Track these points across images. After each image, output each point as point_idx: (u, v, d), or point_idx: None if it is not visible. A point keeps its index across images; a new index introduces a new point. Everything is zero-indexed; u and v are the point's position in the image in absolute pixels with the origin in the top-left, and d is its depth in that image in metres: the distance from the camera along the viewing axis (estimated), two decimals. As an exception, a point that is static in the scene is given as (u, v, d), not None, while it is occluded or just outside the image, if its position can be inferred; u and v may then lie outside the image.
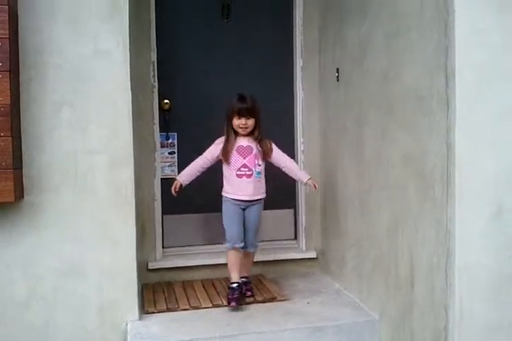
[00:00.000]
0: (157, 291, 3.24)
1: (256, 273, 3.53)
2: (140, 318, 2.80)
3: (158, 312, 2.92)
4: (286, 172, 3.11)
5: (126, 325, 2.74)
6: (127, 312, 2.77)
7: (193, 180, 3.10)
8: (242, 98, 3.00)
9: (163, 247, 3.56)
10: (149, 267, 3.40)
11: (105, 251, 2.72)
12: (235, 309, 2.94)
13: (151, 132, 3.54)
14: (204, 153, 3.09)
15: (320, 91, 3.71)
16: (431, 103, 2.31)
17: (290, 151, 3.65)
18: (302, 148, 3.77)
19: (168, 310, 2.95)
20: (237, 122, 2.99)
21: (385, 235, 2.77)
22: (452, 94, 2.16)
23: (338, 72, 3.36)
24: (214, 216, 3.64)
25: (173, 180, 3.56)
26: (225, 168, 3.07)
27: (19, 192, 2.52)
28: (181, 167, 3.58)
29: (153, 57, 3.51)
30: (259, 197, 3.08)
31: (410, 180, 2.51)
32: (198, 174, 3.09)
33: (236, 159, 3.02)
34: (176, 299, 3.11)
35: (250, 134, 3.04)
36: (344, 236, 3.32)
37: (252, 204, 3.08)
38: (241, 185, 3.02)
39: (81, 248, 2.68)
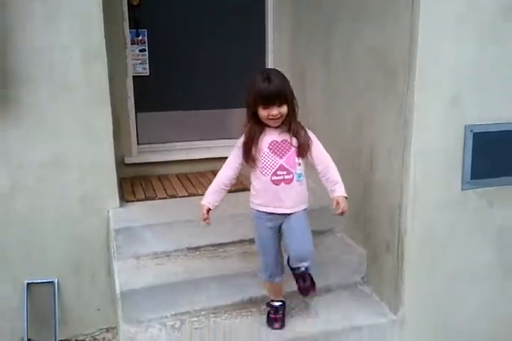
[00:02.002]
0: (135, 184, 3.41)
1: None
2: (121, 206, 2.99)
3: (138, 201, 3.12)
4: (321, 177, 2.31)
5: (108, 212, 2.93)
6: (108, 200, 2.95)
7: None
8: (267, 78, 2.15)
9: (138, 143, 3.67)
10: (126, 161, 3.54)
11: (84, 142, 2.82)
12: (280, 328, 2.47)
13: (121, 29, 3.49)
14: (226, 162, 2.36)
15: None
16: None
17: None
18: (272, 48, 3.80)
19: (147, 198, 3.16)
20: (264, 113, 2.18)
21: (351, 130, 2.94)
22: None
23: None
24: (188, 113, 3.77)
25: (144, 78, 3.64)
26: (252, 174, 2.32)
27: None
28: (153, 65, 3.62)
29: None
30: (303, 208, 2.33)
31: (375, 74, 2.62)
32: (226, 189, 2.37)
33: (269, 160, 2.24)
34: (154, 189, 3.30)
35: (283, 123, 2.24)
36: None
37: (291, 214, 2.32)
38: (280, 195, 2.26)
39: (61, 140, 2.78)
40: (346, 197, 2.25)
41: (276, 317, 2.48)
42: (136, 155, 3.63)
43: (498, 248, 2.64)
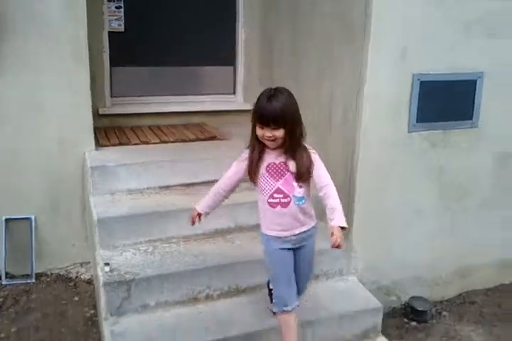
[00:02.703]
0: (109, 132, 3.59)
1: (197, 121, 3.94)
2: (96, 149, 3.19)
3: (112, 146, 3.32)
4: (322, 200, 2.19)
5: (84, 154, 3.12)
6: (84, 143, 3.14)
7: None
8: (270, 97, 2.06)
9: (111, 96, 3.84)
10: (100, 112, 3.71)
11: (62, 88, 2.99)
12: None
13: (98, -15, 3.63)
14: (225, 174, 2.31)
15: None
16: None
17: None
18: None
19: (121, 144, 3.36)
20: (260, 132, 2.10)
21: (309, 87, 3.19)
22: None
23: None
24: (162, 69, 3.96)
25: (119, 34, 3.79)
26: (256, 192, 2.27)
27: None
28: (128, 21, 3.78)
29: None
30: (305, 229, 2.25)
31: (336, 30, 2.89)
32: (221, 200, 2.35)
33: (266, 182, 2.18)
34: (127, 137, 3.50)
35: (282, 146, 2.14)
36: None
37: (304, 239, 2.26)
38: (276, 218, 2.21)
39: (42, 87, 2.96)
40: (344, 228, 2.12)
41: None
42: (110, 107, 3.80)
43: (439, 186, 2.96)
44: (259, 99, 2.10)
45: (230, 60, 4.13)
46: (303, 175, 2.16)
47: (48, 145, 3.05)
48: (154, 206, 2.86)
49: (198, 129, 3.76)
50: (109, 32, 3.75)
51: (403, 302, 3.08)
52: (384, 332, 2.77)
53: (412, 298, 3.06)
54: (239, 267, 2.71)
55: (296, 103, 2.12)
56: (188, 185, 3.11)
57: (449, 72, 2.78)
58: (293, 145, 2.13)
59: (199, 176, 3.12)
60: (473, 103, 2.89)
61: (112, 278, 2.44)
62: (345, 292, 2.82)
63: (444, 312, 3.09)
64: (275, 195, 2.18)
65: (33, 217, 3.09)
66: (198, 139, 3.53)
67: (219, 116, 4.06)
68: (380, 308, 2.73)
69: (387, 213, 2.90)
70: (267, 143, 2.13)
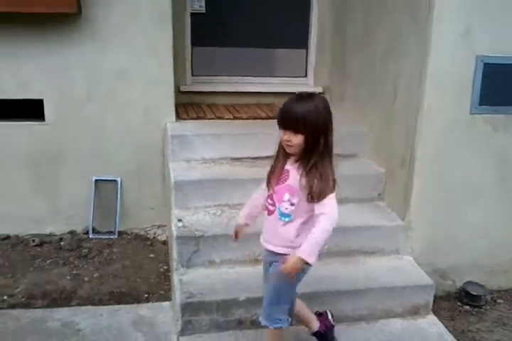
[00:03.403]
0: (188, 108, 3.90)
1: (269, 102, 4.16)
2: (176, 121, 3.51)
3: (190, 119, 3.63)
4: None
5: (166, 124, 3.44)
6: (166, 115, 3.45)
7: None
8: (297, 99, 1.97)
9: (192, 75, 4.15)
10: (181, 89, 4.02)
11: (150, 62, 3.31)
12: None
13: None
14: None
15: None
16: None
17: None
18: None
19: (198, 118, 3.66)
20: (281, 134, 1.99)
21: (378, 63, 3.32)
22: None
23: None
24: (239, 50, 4.20)
25: (201, 15, 4.06)
26: None
27: (78, 5, 3.04)
28: (209, 2, 4.04)
29: None
30: (275, 250, 2.09)
31: (404, 9, 2.98)
32: (257, 206, 2.22)
33: (272, 184, 2.08)
34: (204, 112, 3.79)
35: (302, 158, 1.99)
36: (348, 73, 3.88)
37: (271, 261, 2.16)
38: (264, 221, 2.16)
39: (129, 56, 3.28)
40: (306, 263, 1.94)
41: None
42: (190, 85, 4.11)
43: (500, 170, 2.99)
44: (288, 99, 1.98)
45: (302, 43, 4.30)
46: (312, 197, 1.95)
47: (134, 115, 3.38)
48: (225, 174, 3.14)
49: (269, 108, 3.98)
50: (191, 13, 4.03)
51: (458, 287, 3.11)
52: (435, 313, 2.84)
53: (468, 282, 3.09)
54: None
55: (328, 114, 1.98)
56: (256, 158, 3.33)
57: (515, 55, 2.80)
58: (309, 157, 1.95)
59: (266, 151, 3.33)
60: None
61: (183, 232, 2.75)
62: (398, 268, 2.93)
63: (500, 300, 3.09)
64: (268, 200, 2.10)
65: (119, 180, 3.45)
66: (268, 117, 3.76)
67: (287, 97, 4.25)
68: (432, 286, 2.82)
69: (447, 194, 2.97)
70: (285, 147, 1.99)
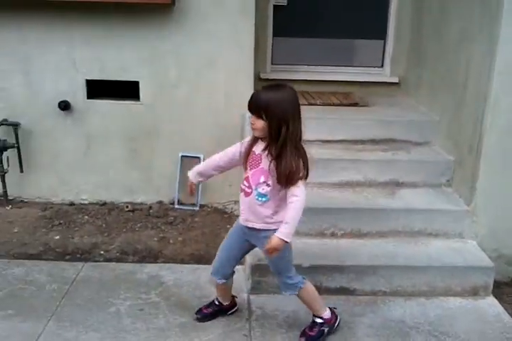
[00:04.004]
0: (266, 94, 4.18)
1: (344, 91, 4.34)
2: (255, 105, 3.79)
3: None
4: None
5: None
6: (246, 98, 3.60)
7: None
8: (266, 88, 2.22)
9: (271, 63, 4.42)
10: (261, 77, 4.30)
11: (233, 50, 3.61)
12: (197, 319, 2.58)
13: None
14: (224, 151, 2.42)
15: None
16: None
17: None
18: None
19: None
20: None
21: (452, 51, 3.42)
22: None
23: None
24: (317, 41, 4.41)
25: (282, 7, 4.29)
26: None
27: (173, -5, 3.40)
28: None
29: None
30: (258, 227, 2.29)
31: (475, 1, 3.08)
32: (215, 173, 2.44)
33: (246, 167, 2.29)
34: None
35: (270, 142, 2.18)
36: (423, 62, 3.98)
37: (257, 237, 2.33)
38: (241, 203, 2.33)
39: (215, 44, 3.59)
40: (286, 241, 2.17)
41: (203, 309, 2.59)
42: (270, 73, 4.39)
43: None
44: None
45: (381, 33, 4.44)
46: (282, 179, 2.13)
47: (217, 98, 3.69)
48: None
49: (343, 96, 4.17)
50: (273, 5, 4.29)
51: (523, 274, 3.14)
52: (497, 297, 2.91)
53: (534, 269, 3.12)
54: (363, 214, 3.13)
55: (292, 104, 2.15)
56: (325, 142, 3.56)
57: None
58: (275, 142, 2.13)
59: (337, 134, 3.57)
60: None
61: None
62: (460, 250, 3.04)
63: None
64: (244, 182, 2.28)
65: (202, 156, 3.75)
66: (341, 104, 3.96)
67: (365, 87, 4.41)
68: (493, 268, 2.90)
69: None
70: (252, 130, 2.20)
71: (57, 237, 3.33)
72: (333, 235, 3.11)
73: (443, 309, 2.77)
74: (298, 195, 2.16)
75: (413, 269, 2.87)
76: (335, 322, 2.52)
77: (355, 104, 3.98)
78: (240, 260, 2.51)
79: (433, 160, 3.46)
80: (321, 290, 2.78)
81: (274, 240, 2.15)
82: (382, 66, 4.54)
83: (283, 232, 2.16)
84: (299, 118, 2.18)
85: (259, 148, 2.23)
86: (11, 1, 3.46)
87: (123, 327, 2.50)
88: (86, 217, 3.62)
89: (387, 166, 3.39)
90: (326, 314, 2.48)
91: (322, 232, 3.10)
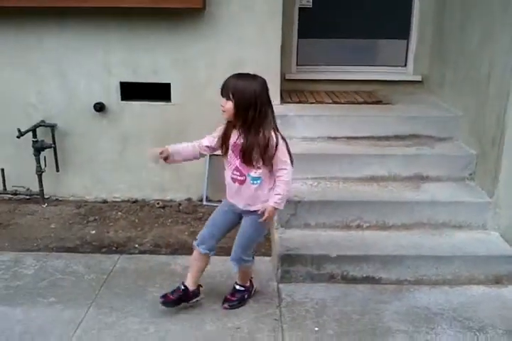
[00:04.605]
0: (291, 93, 4.30)
1: (368, 89, 4.44)
2: (281, 104, 3.92)
3: (293, 103, 4.03)
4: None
5: (271, 106, 3.86)
6: (272, 98, 3.82)
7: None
8: (236, 74, 2.39)
9: (297, 64, 4.54)
10: (286, 77, 4.42)
11: (260, 52, 3.75)
12: (164, 304, 2.61)
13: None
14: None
15: None
16: None
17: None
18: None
19: (300, 102, 4.06)
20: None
21: (474, 50, 3.49)
22: None
23: None
24: (341, 41, 4.53)
25: (307, 9, 4.42)
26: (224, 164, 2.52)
27: (204, 0, 3.56)
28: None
29: None
30: (254, 209, 2.46)
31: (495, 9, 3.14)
32: (186, 151, 2.54)
33: (230, 159, 2.45)
34: (306, 97, 4.18)
35: (237, 123, 2.38)
36: (445, 61, 4.05)
37: (248, 215, 2.51)
38: (235, 191, 2.48)
39: (242, 46, 3.74)
40: (276, 208, 2.41)
41: (167, 296, 2.60)
42: (295, 73, 4.51)
43: None
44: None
45: (404, 33, 4.52)
46: (249, 155, 2.32)
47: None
48: (322, 151, 3.50)
49: (368, 95, 4.27)
50: (299, 7, 4.42)
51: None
52: None
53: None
54: (388, 207, 3.22)
55: (260, 91, 2.33)
56: (350, 138, 3.67)
57: None
58: (245, 125, 2.31)
59: (360, 131, 3.67)
60: None
61: (284, 197, 3.16)
62: (483, 240, 3.12)
63: None
64: (234, 172, 2.43)
65: (229, 156, 3.93)
66: (365, 102, 4.05)
67: (388, 86, 4.50)
68: (515, 257, 2.96)
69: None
70: (222, 113, 2.37)
71: (93, 232, 3.51)
72: (358, 227, 3.21)
73: (466, 296, 2.84)
74: (286, 167, 2.39)
75: (438, 259, 2.95)
76: (252, 290, 2.77)
77: (379, 102, 4.07)
78: (225, 236, 2.65)
79: (456, 154, 3.53)
80: (348, 278, 2.89)
81: (269, 209, 2.39)
82: (405, 65, 4.62)
83: (276, 202, 2.40)
84: (269, 105, 2.37)
85: (235, 137, 2.40)
86: (52, 11, 3.66)
87: (160, 314, 2.64)
88: (119, 213, 3.80)
89: (412, 161, 3.48)
90: (247, 283, 2.74)
91: (348, 225, 3.20)
